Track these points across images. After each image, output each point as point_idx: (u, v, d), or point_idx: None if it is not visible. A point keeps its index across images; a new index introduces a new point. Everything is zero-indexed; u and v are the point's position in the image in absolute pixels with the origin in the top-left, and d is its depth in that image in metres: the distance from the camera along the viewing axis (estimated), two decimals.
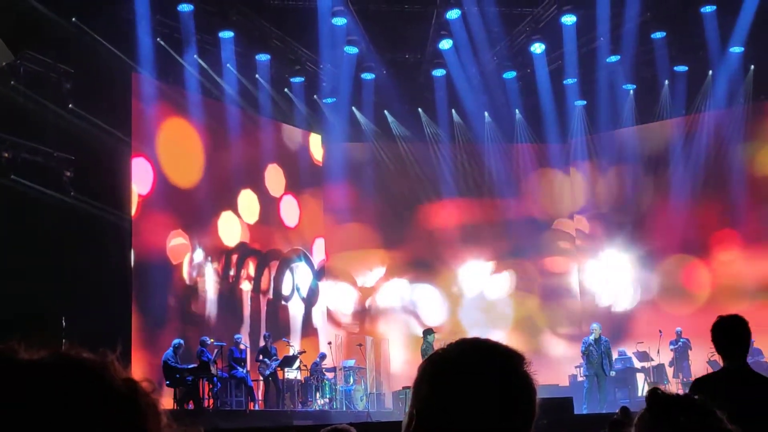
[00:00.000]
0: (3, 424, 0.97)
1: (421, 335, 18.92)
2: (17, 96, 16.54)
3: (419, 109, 25.21)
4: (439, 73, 24.11)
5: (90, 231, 17.20)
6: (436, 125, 25.33)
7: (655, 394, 2.27)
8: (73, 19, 17.61)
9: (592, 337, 18.72)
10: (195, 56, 21.03)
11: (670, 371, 21.86)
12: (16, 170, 16.57)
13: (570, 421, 14.14)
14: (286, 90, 23.63)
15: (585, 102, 25.22)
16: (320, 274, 24.56)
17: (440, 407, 1.84)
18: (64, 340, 15.05)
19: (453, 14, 22.14)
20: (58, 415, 1.10)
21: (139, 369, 18.42)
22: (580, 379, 21.22)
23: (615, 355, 22.37)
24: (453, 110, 25.15)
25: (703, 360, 21.46)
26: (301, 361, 20.53)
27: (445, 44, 22.99)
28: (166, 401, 17.77)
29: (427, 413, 1.86)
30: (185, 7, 20.10)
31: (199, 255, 21.06)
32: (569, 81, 24.51)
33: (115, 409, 1.12)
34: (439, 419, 1.83)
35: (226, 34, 21.34)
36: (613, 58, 23.58)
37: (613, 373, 19.23)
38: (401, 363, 23.91)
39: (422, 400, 1.88)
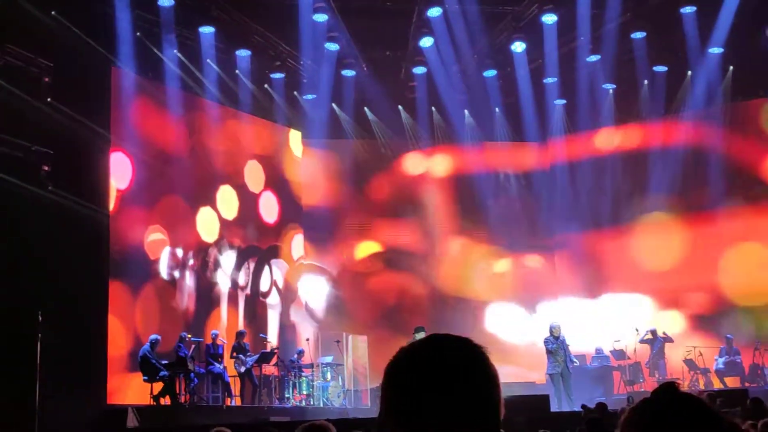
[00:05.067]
0: None
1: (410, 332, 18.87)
2: None
3: (399, 107, 25.21)
4: (419, 70, 24.12)
5: (67, 226, 17.08)
6: (416, 123, 25.35)
7: (671, 389, 2.11)
8: (53, 12, 17.50)
9: (554, 336, 18.72)
10: (175, 51, 20.96)
11: (646, 370, 21.99)
12: None
13: (548, 418, 14.22)
14: (266, 86, 23.59)
15: (565, 101, 25.30)
16: (299, 269, 24.53)
17: (404, 405, 1.84)
18: (39, 335, 15.04)
19: (434, 12, 22.16)
20: None
21: (115, 364, 18.38)
22: (538, 381, 21.39)
23: (593, 353, 22.54)
24: (433, 108, 25.17)
25: (679, 359, 21.68)
26: (278, 358, 20.49)
27: (426, 42, 23.01)
28: (143, 396, 17.73)
29: (392, 411, 1.86)
30: (165, 2, 20.02)
31: (177, 250, 20.98)
32: (549, 80, 24.59)
33: None
34: (404, 417, 1.83)
35: (207, 30, 21.28)
36: (593, 58, 23.68)
37: (576, 363, 19.28)
38: (379, 360, 23.88)
39: (386, 398, 1.89)
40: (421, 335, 18.24)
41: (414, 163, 25.90)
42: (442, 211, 25.63)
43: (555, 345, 18.58)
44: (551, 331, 18.78)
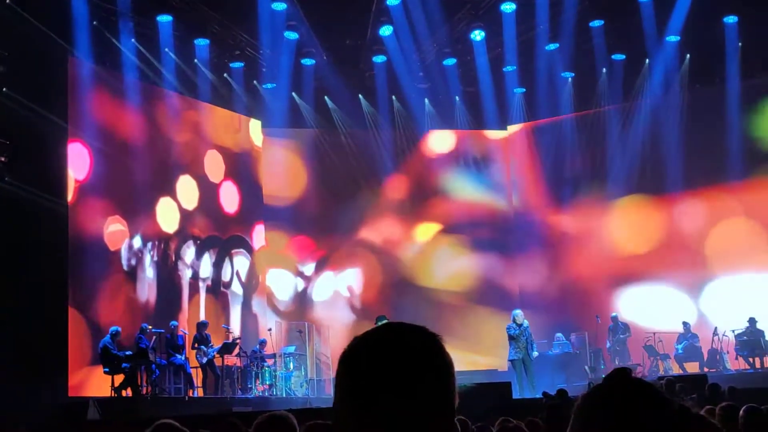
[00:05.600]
0: None
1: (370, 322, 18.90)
2: None
3: (360, 95, 25.19)
4: (379, 59, 24.11)
5: (25, 217, 16.91)
6: (377, 111, 25.34)
7: (622, 375, 2.10)
8: (7, 1, 17.26)
9: (517, 323, 18.87)
10: (133, 40, 20.77)
11: (608, 357, 22.21)
12: None
13: (509, 405, 14.28)
14: (225, 75, 23.46)
15: (524, 89, 25.41)
16: (260, 260, 24.46)
17: (359, 394, 1.83)
18: None
19: (393, 0, 22.12)
20: None
21: (76, 357, 18.24)
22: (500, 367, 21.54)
23: (553, 340, 22.72)
24: (393, 96, 25.17)
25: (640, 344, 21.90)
26: (241, 348, 20.44)
27: (386, 30, 23.00)
28: (104, 389, 17.62)
29: (347, 401, 1.86)
30: None
31: (137, 241, 20.84)
32: (509, 68, 24.67)
33: None
34: (359, 407, 1.83)
35: (165, 18, 21.10)
36: (552, 46, 23.78)
37: (536, 354, 19.40)
38: (341, 349, 23.86)
39: (341, 387, 1.88)
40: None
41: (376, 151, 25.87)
42: (406, 198, 25.66)
43: (518, 331, 18.72)
44: (514, 318, 18.95)
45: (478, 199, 26.02)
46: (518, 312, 19.19)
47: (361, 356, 1.88)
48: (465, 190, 26.05)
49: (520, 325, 18.82)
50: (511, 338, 18.81)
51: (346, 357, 1.91)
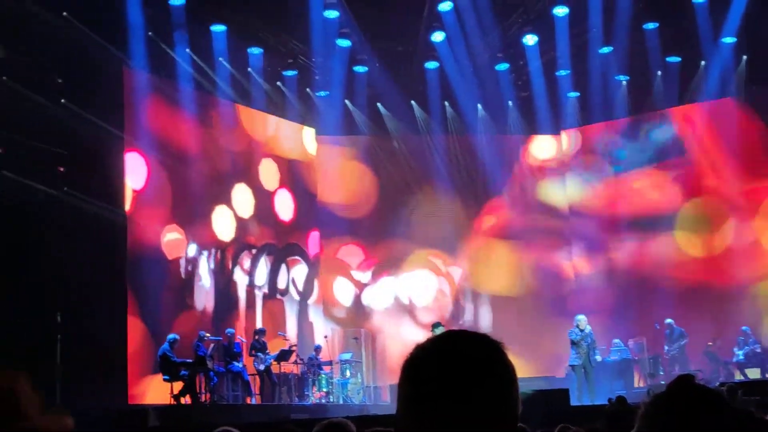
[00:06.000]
0: None
1: (426, 328, 18.89)
2: (10, 92, 16.47)
3: (412, 102, 25.20)
4: (431, 65, 24.11)
5: (84, 227, 17.15)
6: (429, 117, 25.33)
7: (686, 381, 2.12)
8: (64, 13, 17.52)
9: (579, 328, 18.72)
10: (187, 50, 20.96)
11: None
12: (8, 166, 16.49)
13: (567, 412, 14.17)
14: (278, 83, 23.60)
15: (578, 93, 25.23)
16: (315, 267, 24.54)
17: (422, 402, 1.83)
18: (59, 336, 15.11)
19: (445, 6, 22.12)
20: None
21: (135, 363, 18.42)
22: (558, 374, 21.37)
23: (610, 346, 22.49)
24: (446, 102, 25.14)
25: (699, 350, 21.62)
26: (297, 355, 20.51)
27: (438, 36, 22.99)
28: (164, 396, 17.77)
29: (410, 409, 1.85)
30: (176, 1, 20.03)
31: (194, 249, 21.02)
32: (562, 72, 24.51)
33: None
34: (422, 415, 1.82)
35: (219, 28, 21.29)
36: (606, 50, 23.59)
37: (599, 358, 19.19)
38: (398, 356, 23.88)
39: (404, 396, 1.88)
40: (439, 331, 18.24)
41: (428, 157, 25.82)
42: (461, 203, 25.56)
43: (580, 336, 18.57)
44: (577, 323, 18.81)
45: (535, 203, 25.85)
46: (581, 317, 19.04)
47: (422, 363, 1.88)
48: (521, 195, 25.90)
49: (582, 330, 18.66)
50: (573, 343, 18.66)
51: (409, 364, 1.91)
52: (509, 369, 1.88)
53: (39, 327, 15.39)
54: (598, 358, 19.05)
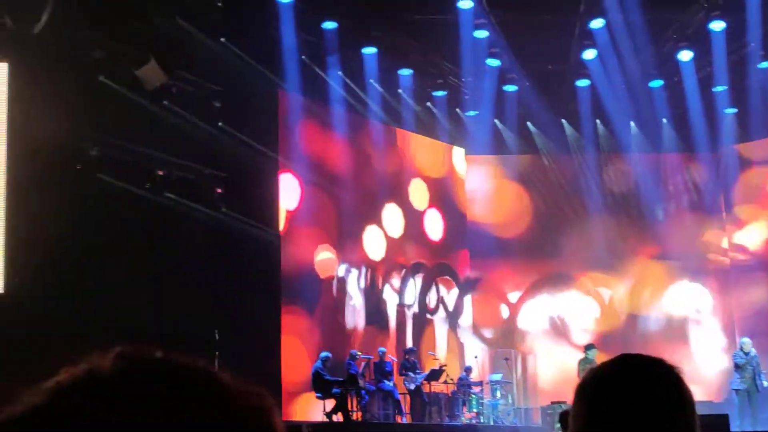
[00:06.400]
0: None
1: (579, 350, 18.62)
2: (169, 115, 17.09)
3: (563, 120, 24.94)
4: (583, 83, 23.81)
5: (240, 246, 17.62)
6: (581, 136, 25.01)
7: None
8: (222, 39, 18.08)
9: (744, 351, 18.09)
10: (339, 73, 21.31)
11: None
12: (169, 187, 17.12)
13: None
14: (428, 104, 23.72)
15: (736, 109, 24.47)
16: (465, 287, 24.50)
17: (600, 427, 1.80)
18: (216, 353, 15.51)
19: (597, 24, 21.80)
20: None
21: (289, 380, 18.75)
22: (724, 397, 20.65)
23: None
24: (597, 120, 24.78)
25: None
26: (447, 375, 20.49)
27: (589, 54, 22.69)
28: (317, 413, 18.03)
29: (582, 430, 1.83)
30: (329, 25, 20.40)
31: (345, 269, 21.31)
32: (719, 88, 23.81)
33: None
34: None
35: (369, 51, 21.57)
36: (765, 64, 22.82)
37: (766, 384, 18.50)
38: (549, 378, 23.61)
39: (581, 419, 1.85)
40: (592, 353, 17.96)
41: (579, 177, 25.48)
42: (614, 223, 25.07)
43: (744, 360, 17.93)
44: (741, 346, 18.20)
45: (690, 223, 25.15)
46: (746, 340, 18.39)
47: (600, 387, 1.86)
48: (676, 216, 25.27)
49: (747, 354, 18.01)
50: (737, 367, 18.02)
51: (585, 387, 1.89)
52: (689, 394, 1.84)
53: (198, 344, 15.83)
54: (766, 383, 18.31)
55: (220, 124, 17.97)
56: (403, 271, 22.91)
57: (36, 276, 15.01)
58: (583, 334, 23.72)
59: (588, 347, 18.16)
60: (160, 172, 17.15)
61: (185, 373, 0.99)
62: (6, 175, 15.29)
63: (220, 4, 17.84)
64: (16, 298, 15.00)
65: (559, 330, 24.75)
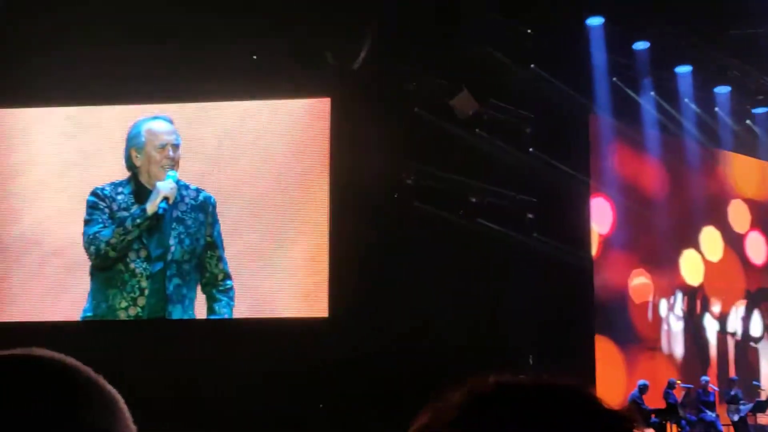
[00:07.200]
0: None
1: None
2: (481, 143, 17.39)
3: None
4: None
5: (552, 271, 17.55)
6: None
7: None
8: (532, 65, 18.16)
9: None
10: (651, 93, 20.82)
11: None
12: (482, 213, 17.38)
13: None
14: (747, 121, 22.66)
15: None
16: None
17: None
18: None
19: None
20: None
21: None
22: None
23: None
24: None
25: None
26: None
27: None
28: None
29: None
30: (641, 45, 19.98)
31: (661, 294, 20.73)
32: None
33: None
34: None
35: (683, 69, 20.91)
36: None
37: None
38: None
39: None
40: None
41: None
42: None
43: None
44: None
45: None
46: None
47: None
48: None
49: None
50: None
51: None
52: None
53: (511, 369, 15.87)
54: None
55: (531, 149, 18.04)
56: (724, 296, 21.96)
57: (357, 300, 15.71)
58: None
59: None
60: (473, 199, 17.45)
61: (566, 393, 1.16)
62: (330, 205, 16.14)
63: (529, 31, 17.93)
64: (340, 321, 15.79)
65: None
